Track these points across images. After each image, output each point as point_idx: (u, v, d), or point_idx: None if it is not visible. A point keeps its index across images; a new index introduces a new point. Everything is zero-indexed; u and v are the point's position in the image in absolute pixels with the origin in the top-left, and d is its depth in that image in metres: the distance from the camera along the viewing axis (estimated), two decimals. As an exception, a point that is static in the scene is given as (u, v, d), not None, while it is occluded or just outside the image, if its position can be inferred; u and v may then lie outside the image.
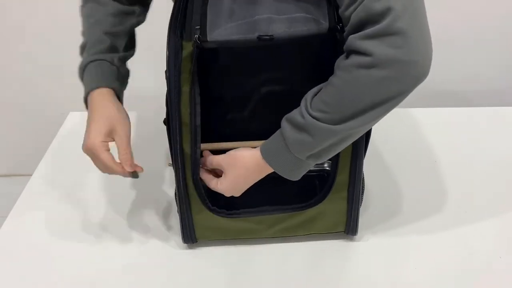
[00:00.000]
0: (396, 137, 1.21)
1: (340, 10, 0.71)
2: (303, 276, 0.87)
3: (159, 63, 0.95)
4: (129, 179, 1.08)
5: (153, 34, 1.07)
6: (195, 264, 0.90)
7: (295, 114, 0.74)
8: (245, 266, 0.90)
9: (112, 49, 0.90)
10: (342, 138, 0.73)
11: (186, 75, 0.78)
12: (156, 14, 1.00)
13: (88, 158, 1.15)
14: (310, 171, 0.96)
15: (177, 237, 0.93)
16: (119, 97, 0.89)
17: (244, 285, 0.87)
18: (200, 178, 0.85)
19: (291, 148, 0.75)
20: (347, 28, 0.70)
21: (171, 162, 0.86)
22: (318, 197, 0.88)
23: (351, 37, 0.68)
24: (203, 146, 0.85)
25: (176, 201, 0.88)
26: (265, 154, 0.79)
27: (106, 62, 0.89)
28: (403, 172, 1.10)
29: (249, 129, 0.86)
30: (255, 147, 0.81)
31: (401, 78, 0.67)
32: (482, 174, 1.09)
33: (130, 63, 0.98)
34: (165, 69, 0.79)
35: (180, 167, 0.83)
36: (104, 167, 0.85)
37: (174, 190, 0.88)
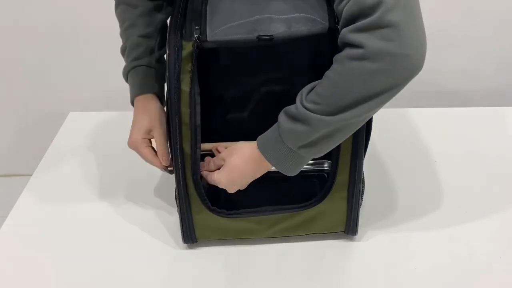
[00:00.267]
0: (396, 137, 1.21)
1: (334, 5, 0.72)
2: (303, 276, 0.87)
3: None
4: (127, 179, 1.09)
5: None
6: (195, 264, 0.90)
7: (291, 106, 0.75)
8: (245, 266, 0.90)
9: (149, 51, 0.93)
10: (335, 130, 0.73)
11: (186, 75, 0.78)
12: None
13: (87, 158, 1.16)
14: (310, 171, 0.97)
15: (177, 237, 0.93)
16: (160, 96, 0.93)
17: (244, 285, 0.87)
18: (201, 176, 0.85)
19: (284, 137, 0.75)
20: (340, 22, 0.70)
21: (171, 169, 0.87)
22: (318, 197, 0.88)
23: (343, 30, 0.69)
24: (203, 146, 0.85)
25: (176, 201, 0.88)
26: (260, 145, 0.79)
27: (145, 67, 0.92)
28: (403, 172, 1.10)
29: (249, 129, 0.86)
30: None
31: (393, 71, 0.67)
32: (482, 174, 1.09)
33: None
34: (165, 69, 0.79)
35: (180, 167, 0.83)
36: (146, 161, 0.90)
37: (174, 190, 0.88)
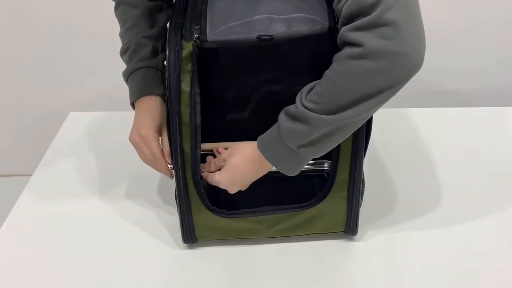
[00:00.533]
0: (396, 137, 1.21)
1: (333, 4, 0.72)
2: (303, 276, 0.87)
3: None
4: (127, 179, 1.09)
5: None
6: (195, 264, 0.90)
7: (291, 106, 0.75)
8: (245, 266, 0.90)
9: (155, 52, 0.92)
10: (335, 129, 0.73)
11: (186, 75, 0.78)
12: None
13: (87, 158, 1.16)
14: (310, 171, 0.97)
15: (177, 237, 0.93)
16: (164, 98, 0.91)
17: (244, 285, 0.87)
18: (201, 177, 0.85)
19: (283, 136, 0.75)
20: (339, 21, 0.70)
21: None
22: (318, 197, 0.88)
23: (343, 29, 0.69)
24: (203, 146, 0.85)
25: (176, 201, 0.88)
26: (260, 144, 0.79)
27: (151, 69, 0.91)
28: (403, 172, 1.10)
29: (249, 129, 0.86)
30: None
31: (393, 70, 0.67)
32: (482, 174, 1.09)
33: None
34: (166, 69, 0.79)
35: (180, 167, 0.83)
36: (152, 156, 0.88)
37: (174, 190, 0.88)
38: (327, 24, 0.75)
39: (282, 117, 0.76)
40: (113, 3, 0.96)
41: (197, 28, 0.76)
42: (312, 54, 0.82)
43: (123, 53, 0.94)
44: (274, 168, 0.80)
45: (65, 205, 1.04)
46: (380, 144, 1.17)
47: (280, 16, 0.76)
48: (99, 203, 1.04)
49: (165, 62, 0.93)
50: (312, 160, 0.97)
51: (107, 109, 1.36)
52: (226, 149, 0.86)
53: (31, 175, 1.12)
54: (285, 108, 0.76)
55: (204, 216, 0.88)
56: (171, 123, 0.81)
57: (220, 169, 0.84)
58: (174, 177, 0.85)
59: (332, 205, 0.88)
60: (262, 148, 0.79)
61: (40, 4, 1.55)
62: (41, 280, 0.88)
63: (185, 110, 0.79)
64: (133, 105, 0.93)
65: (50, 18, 1.58)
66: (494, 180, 1.07)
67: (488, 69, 1.64)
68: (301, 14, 0.76)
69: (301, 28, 0.75)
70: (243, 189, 0.84)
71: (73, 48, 1.62)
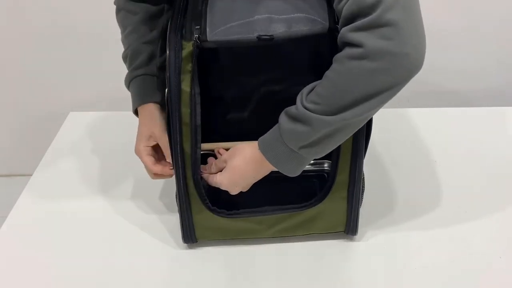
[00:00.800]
0: (396, 137, 1.21)
1: (334, 4, 0.72)
2: (303, 276, 0.87)
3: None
4: (127, 180, 1.09)
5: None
6: (195, 264, 0.90)
7: (291, 106, 0.75)
8: (245, 266, 0.90)
9: (151, 58, 0.93)
10: (336, 130, 0.73)
11: (186, 75, 0.78)
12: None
13: (87, 158, 1.16)
14: (310, 171, 0.97)
15: (177, 237, 0.93)
16: (162, 104, 0.92)
17: (244, 285, 0.87)
18: (202, 178, 0.85)
19: (284, 138, 0.75)
20: (340, 21, 0.70)
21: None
22: (318, 197, 0.88)
23: (343, 29, 0.69)
24: (204, 146, 0.85)
25: (176, 201, 0.88)
26: (261, 145, 0.79)
27: (147, 76, 0.92)
28: (403, 172, 1.10)
29: (249, 129, 0.86)
30: None
31: (393, 70, 0.67)
32: (482, 174, 1.09)
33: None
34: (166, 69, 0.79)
35: (180, 167, 0.83)
36: (146, 169, 0.92)
37: (174, 190, 0.88)
38: (327, 24, 0.75)
39: (282, 118, 0.76)
40: (113, 2, 0.96)
41: (197, 28, 0.76)
42: (312, 54, 0.82)
43: (124, 59, 0.95)
44: (275, 168, 0.80)
45: (65, 205, 1.04)
46: (380, 144, 1.17)
47: (280, 16, 0.76)
48: (99, 203, 1.04)
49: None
50: (312, 160, 0.97)
51: (107, 109, 1.36)
52: (226, 149, 0.86)
53: (31, 175, 1.12)
54: (285, 109, 0.76)
55: (204, 216, 0.88)
56: (171, 123, 0.81)
57: (221, 171, 0.84)
58: (175, 177, 0.85)
59: (332, 205, 0.88)
60: (263, 149, 0.79)
61: (40, 4, 1.55)
62: (41, 280, 0.88)
63: (185, 110, 0.79)
64: (136, 113, 0.94)
65: (50, 18, 1.58)
66: (494, 180, 1.07)
67: (488, 69, 1.64)
68: (301, 14, 0.76)
69: (301, 28, 0.75)
70: (244, 190, 0.84)
71: (73, 48, 1.62)
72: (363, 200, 0.93)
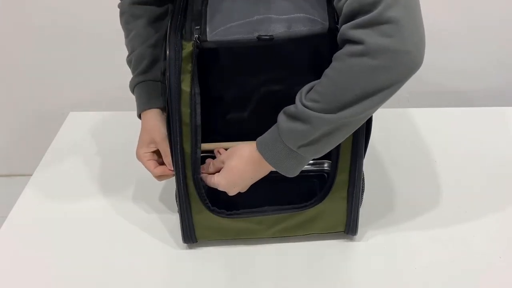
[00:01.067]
0: (396, 137, 1.21)
1: (334, 2, 0.72)
2: (303, 276, 0.87)
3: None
4: (127, 180, 1.09)
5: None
6: (195, 264, 0.90)
7: (290, 106, 0.75)
8: (245, 266, 0.90)
9: (154, 62, 0.93)
10: (335, 128, 0.73)
11: (186, 75, 0.78)
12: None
13: (87, 158, 1.16)
14: (310, 171, 0.97)
15: (177, 237, 0.93)
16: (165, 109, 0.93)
17: (244, 285, 0.87)
18: (201, 178, 0.85)
19: (283, 137, 0.75)
20: (340, 19, 0.70)
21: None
22: (318, 197, 0.88)
23: (343, 27, 0.69)
24: (203, 146, 0.85)
25: (176, 201, 0.88)
26: (260, 145, 0.79)
27: (150, 82, 0.92)
28: (403, 172, 1.10)
29: (249, 129, 0.86)
30: None
31: (393, 68, 0.67)
32: (482, 174, 1.09)
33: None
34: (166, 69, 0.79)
35: (180, 167, 0.83)
36: (151, 173, 0.92)
37: (174, 190, 0.88)
38: (327, 24, 0.75)
39: (281, 117, 0.76)
40: (114, 2, 0.96)
41: (197, 28, 0.76)
42: (312, 54, 0.82)
43: (128, 63, 0.96)
44: (273, 169, 0.80)
45: (65, 205, 1.04)
46: (380, 144, 1.17)
47: (280, 16, 0.76)
48: (99, 203, 1.04)
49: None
50: (312, 160, 0.97)
51: (107, 109, 1.36)
52: (226, 150, 0.86)
53: (31, 175, 1.12)
54: (284, 108, 0.76)
55: (204, 216, 0.88)
56: (171, 123, 0.81)
57: (219, 171, 0.84)
58: (175, 177, 0.85)
59: (332, 205, 0.88)
60: (261, 149, 0.79)
61: (40, 3, 1.55)
62: (41, 280, 0.88)
63: (185, 110, 0.79)
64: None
65: (50, 17, 1.58)
66: (494, 180, 1.07)
67: (488, 69, 1.64)
68: (301, 14, 0.76)
69: (301, 28, 0.75)
70: (242, 191, 0.84)
71: (73, 48, 1.62)
72: (363, 200, 0.93)
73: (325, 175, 0.95)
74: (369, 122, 0.82)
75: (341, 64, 0.69)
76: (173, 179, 0.86)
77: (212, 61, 0.82)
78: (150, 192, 1.06)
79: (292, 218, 0.89)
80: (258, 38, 0.74)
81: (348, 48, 0.69)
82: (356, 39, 0.67)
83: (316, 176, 0.97)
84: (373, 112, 0.74)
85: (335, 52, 0.72)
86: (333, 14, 0.76)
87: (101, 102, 1.70)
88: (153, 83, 0.92)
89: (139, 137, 0.93)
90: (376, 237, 0.94)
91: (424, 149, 1.17)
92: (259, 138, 0.80)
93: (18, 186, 1.12)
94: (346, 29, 0.68)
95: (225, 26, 0.76)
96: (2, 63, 1.67)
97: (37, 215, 1.01)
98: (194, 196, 0.86)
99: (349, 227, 0.91)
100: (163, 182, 1.05)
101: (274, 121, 0.78)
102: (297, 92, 0.75)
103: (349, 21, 0.68)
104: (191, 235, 0.90)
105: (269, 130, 0.79)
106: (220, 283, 0.87)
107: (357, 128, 0.75)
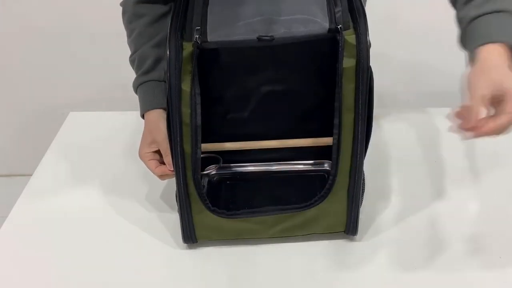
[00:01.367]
0: (396, 137, 1.21)
1: None
2: (303, 276, 0.87)
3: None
4: (127, 179, 1.09)
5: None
6: (195, 264, 0.90)
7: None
8: (245, 266, 0.90)
9: (158, 61, 0.93)
10: None
11: (187, 75, 0.78)
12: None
13: (88, 159, 1.16)
14: (310, 171, 0.97)
15: (177, 237, 0.93)
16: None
17: (244, 285, 0.87)
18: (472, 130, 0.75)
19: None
20: None
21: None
22: (318, 197, 0.88)
23: None
24: (203, 146, 0.85)
25: (176, 201, 0.88)
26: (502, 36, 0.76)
27: (154, 82, 0.93)
28: (403, 172, 1.10)
29: (249, 129, 0.86)
30: (260, 148, 0.80)
31: None
32: (482, 173, 1.09)
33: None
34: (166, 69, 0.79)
35: (180, 167, 0.83)
36: (153, 173, 0.93)
37: (174, 190, 0.88)
38: (327, 25, 0.75)
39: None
40: (115, 2, 0.96)
41: (197, 29, 0.76)
42: (312, 55, 0.82)
43: (131, 63, 0.96)
44: None
45: (65, 205, 1.04)
46: (380, 144, 1.17)
47: (280, 17, 0.76)
48: (99, 203, 1.04)
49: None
50: (312, 160, 0.97)
51: (107, 109, 1.36)
52: (227, 151, 0.86)
53: (31, 175, 1.12)
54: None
55: (204, 216, 0.88)
56: (171, 124, 0.81)
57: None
58: (175, 177, 0.85)
59: (332, 205, 0.88)
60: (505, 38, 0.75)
61: (41, 3, 1.55)
62: (41, 280, 0.89)
63: (186, 111, 0.79)
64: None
65: (50, 17, 1.58)
66: (494, 180, 1.07)
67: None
68: (301, 15, 0.76)
69: (301, 29, 0.75)
70: None
71: (73, 48, 1.63)
72: (363, 200, 0.93)
73: (325, 175, 0.95)
74: (369, 122, 0.82)
75: None
76: (174, 179, 0.86)
77: (212, 61, 0.82)
78: (150, 192, 1.06)
79: (293, 218, 0.89)
80: (259, 38, 0.74)
81: None
82: None
83: (316, 176, 0.97)
84: None
85: (335, 53, 0.72)
86: (333, 15, 0.76)
87: (101, 102, 1.70)
88: (156, 83, 0.92)
89: (142, 137, 0.93)
90: (376, 237, 0.94)
91: (424, 149, 1.17)
92: (496, 37, 0.77)
93: (18, 186, 1.12)
94: None
95: (225, 27, 0.76)
96: (2, 63, 1.67)
97: (37, 215, 1.01)
98: (194, 196, 0.86)
99: (349, 227, 0.91)
100: (163, 182, 1.05)
101: (274, 120, 0.78)
102: (297, 92, 0.75)
103: None
104: (191, 235, 0.90)
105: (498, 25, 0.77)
106: (220, 283, 0.87)
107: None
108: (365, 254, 0.91)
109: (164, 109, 0.92)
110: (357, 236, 0.93)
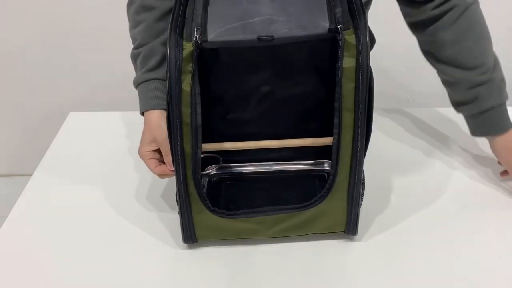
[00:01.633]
0: (396, 137, 1.21)
1: None
2: (303, 276, 0.87)
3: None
4: (127, 179, 1.09)
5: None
6: (195, 264, 0.90)
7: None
8: (245, 266, 0.90)
9: (164, 60, 0.92)
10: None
11: (187, 75, 0.78)
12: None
13: (88, 159, 1.16)
14: (310, 171, 0.97)
15: (177, 237, 0.93)
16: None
17: (244, 285, 0.87)
18: None
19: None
20: None
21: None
22: (318, 197, 0.88)
23: None
24: (204, 146, 0.85)
25: (176, 201, 0.88)
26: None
27: (158, 81, 0.92)
28: (403, 172, 1.10)
29: (249, 129, 0.86)
30: (260, 148, 0.80)
31: None
32: (482, 174, 1.09)
33: (131, 64, 0.98)
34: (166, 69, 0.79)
35: (180, 167, 0.83)
36: (153, 172, 0.93)
37: (174, 190, 0.88)
38: (327, 25, 0.75)
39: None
40: (115, 3, 0.96)
41: (197, 29, 0.76)
42: (312, 55, 0.82)
43: (133, 57, 0.94)
44: None
45: (65, 205, 1.04)
46: (380, 144, 1.17)
47: (280, 18, 0.76)
48: (99, 203, 1.04)
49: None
50: (312, 160, 0.97)
51: (107, 109, 1.36)
52: (227, 151, 0.86)
53: (31, 175, 1.12)
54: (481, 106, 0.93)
55: (204, 216, 0.88)
56: (171, 124, 0.81)
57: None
58: (175, 177, 0.85)
59: (332, 205, 0.88)
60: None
61: (41, 4, 1.55)
62: (41, 280, 0.88)
63: (186, 110, 0.79)
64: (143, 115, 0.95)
65: (50, 18, 1.58)
66: (494, 180, 1.07)
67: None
68: (302, 15, 0.76)
69: (301, 29, 0.75)
70: None
71: (73, 48, 1.63)
72: (363, 200, 0.93)
73: (325, 175, 0.95)
74: (369, 122, 0.82)
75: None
76: (174, 179, 0.86)
77: (212, 61, 0.82)
78: (150, 192, 1.06)
79: (292, 218, 0.89)
80: (259, 38, 0.74)
81: None
82: None
83: (316, 176, 0.97)
84: None
85: (335, 53, 0.72)
86: (333, 15, 0.76)
87: (101, 102, 1.70)
88: (160, 82, 0.92)
89: (142, 135, 0.93)
90: (376, 237, 0.94)
91: (424, 149, 1.17)
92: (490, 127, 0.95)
93: (18, 186, 1.12)
94: None
95: (225, 27, 0.76)
96: (2, 63, 1.67)
97: (37, 215, 1.01)
98: (194, 196, 0.86)
99: (349, 227, 0.91)
100: (164, 182, 1.05)
101: (274, 121, 0.78)
102: (297, 92, 0.75)
103: None
104: (191, 235, 0.90)
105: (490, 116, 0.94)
106: (220, 283, 0.87)
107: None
108: (365, 254, 0.91)
109: (165, 109, 0.92)
110: (357, 236, 0.93)
